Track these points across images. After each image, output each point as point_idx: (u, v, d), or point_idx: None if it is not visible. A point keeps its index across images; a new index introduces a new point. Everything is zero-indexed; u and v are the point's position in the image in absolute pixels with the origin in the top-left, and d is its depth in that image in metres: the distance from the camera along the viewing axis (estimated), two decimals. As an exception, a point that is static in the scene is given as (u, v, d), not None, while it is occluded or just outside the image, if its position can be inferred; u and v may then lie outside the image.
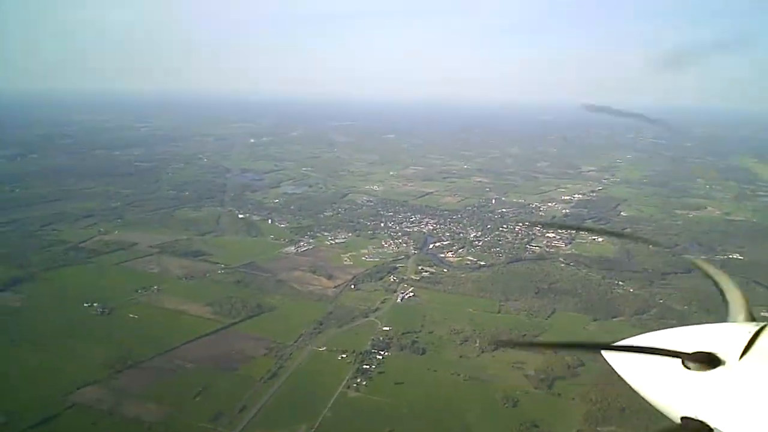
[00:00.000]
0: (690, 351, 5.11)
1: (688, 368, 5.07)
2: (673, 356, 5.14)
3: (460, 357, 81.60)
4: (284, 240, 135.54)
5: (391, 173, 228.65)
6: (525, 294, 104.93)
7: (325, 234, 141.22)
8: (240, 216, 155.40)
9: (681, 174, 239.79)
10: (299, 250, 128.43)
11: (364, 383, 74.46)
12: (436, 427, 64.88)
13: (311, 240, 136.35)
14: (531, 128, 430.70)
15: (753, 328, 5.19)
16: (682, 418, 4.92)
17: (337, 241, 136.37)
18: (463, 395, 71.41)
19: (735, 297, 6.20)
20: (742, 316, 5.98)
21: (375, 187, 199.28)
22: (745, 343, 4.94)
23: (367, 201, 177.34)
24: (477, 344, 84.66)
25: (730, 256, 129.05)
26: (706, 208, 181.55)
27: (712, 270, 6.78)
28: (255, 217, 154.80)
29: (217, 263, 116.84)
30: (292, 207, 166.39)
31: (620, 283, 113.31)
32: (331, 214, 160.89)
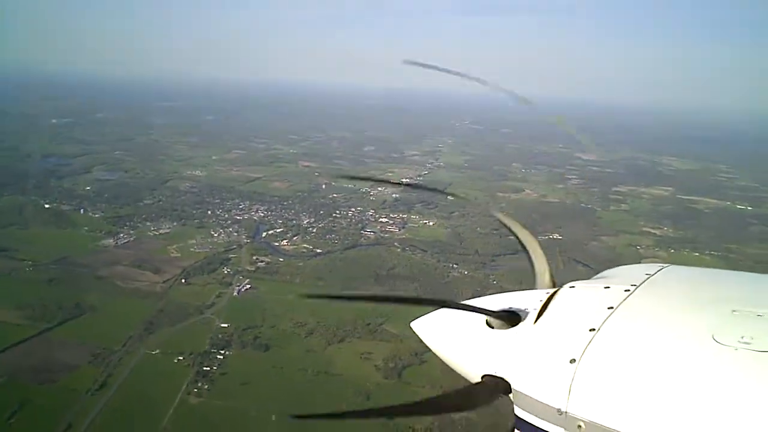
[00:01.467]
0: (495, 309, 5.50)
1: (491, 327, 5.44)
2: (479, 312, 5.48)
3: (307, 351, 79.44)
4: (101, 232, 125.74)
5: (213, 157, 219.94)
6: (365, 281, 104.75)
7: (148, 224, 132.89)
8: (46, 206, 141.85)
9: (499, 159, 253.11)
10: (119, 243, 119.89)
11: (206, 387, 69.98)
12: (288, 429, 62.23)
13: (132, 231, 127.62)
14: (356, 112, 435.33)
15: (550, 291, 5.59)
16: (483, 376, 5.16)
17: (161, 231, 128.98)
18: (313, 392, 69.31)
19: (540, 263, 6.35)
20: (546, 280, 6.19)
21: (198, 173, 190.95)
22: (541, 305, 5.36)
23: (191, 187, 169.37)
24: (323, 337, 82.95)
25: (551, 237, 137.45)
26: (524, 191, 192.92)
27: (518, 228, 6.68)
28: (65, 207, 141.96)
29: (24, 260, 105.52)
30: (106, 195, 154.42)
31: (455, 266, 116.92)
32: (152, 202, 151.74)
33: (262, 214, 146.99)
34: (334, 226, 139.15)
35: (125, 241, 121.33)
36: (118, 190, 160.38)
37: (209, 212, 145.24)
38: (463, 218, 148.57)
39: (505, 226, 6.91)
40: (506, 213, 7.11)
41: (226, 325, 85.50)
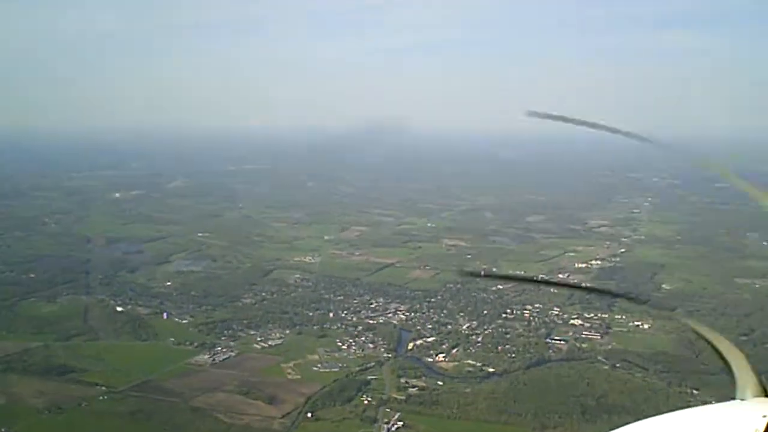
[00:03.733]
0: None
1: None
2: None
3: None
4: (192, 344, 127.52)
5: (326, 237, 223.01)
6: (567, 416, 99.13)
7: (251, 333, 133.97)
8: (118, 308, 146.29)
9: (722, 225, 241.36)
10: (217, 360, 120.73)
11: None
12: None
13: (232, 343, 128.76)
14: (496, 168, 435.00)
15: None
16: None
17: (270, 342, 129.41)
18: None
19: (742, 367, 6.72)
20: (751, 390, 6.59)
21: (308, 259, 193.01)
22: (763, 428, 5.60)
23: (302, 280, 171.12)
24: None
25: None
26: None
27: (713, 336, 7.33)
28: (142, 310, 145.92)
29: (96, 384, 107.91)
30: (193, 293, 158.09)
31: (694, 391, 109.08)
32: (253, 301, 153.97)
33: (403, 316, 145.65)
34: (506, 333, 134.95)
35: (225, 357, 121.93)
36: (208, 285, 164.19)
37: (331, 314, 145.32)
38: (695, 315, 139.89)
39: (701, 336, 7.66)
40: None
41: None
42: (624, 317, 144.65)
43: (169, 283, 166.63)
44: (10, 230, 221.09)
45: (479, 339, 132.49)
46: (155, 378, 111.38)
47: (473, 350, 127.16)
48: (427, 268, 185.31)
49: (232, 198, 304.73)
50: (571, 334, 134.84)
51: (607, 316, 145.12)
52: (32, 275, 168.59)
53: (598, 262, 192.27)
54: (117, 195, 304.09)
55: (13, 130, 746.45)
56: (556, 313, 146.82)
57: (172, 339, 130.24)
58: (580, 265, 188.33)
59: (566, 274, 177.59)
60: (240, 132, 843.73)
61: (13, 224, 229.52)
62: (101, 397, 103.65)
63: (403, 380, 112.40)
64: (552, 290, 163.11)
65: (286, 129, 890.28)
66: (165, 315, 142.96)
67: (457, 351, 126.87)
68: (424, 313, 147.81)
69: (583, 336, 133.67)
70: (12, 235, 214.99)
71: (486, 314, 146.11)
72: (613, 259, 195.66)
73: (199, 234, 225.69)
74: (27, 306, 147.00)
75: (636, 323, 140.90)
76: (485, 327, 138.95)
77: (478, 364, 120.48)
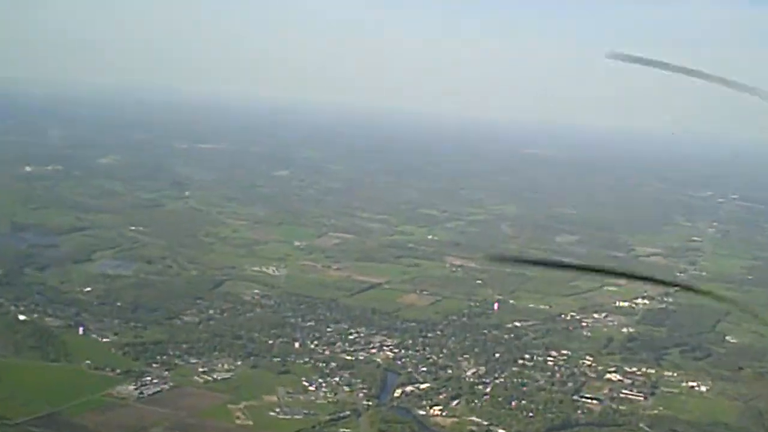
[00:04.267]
0: None
1: None
2: None
3: None
4: (114, 370, 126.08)
5: (296, 244, 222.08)
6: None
7: (192, 361, 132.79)
8: (20, 317, 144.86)
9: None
10: (146, 393, 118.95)
11: None
12: None
13: (166, 372, 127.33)
14: (523, 168, 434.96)
15: None
16: None
17: (216, 376, 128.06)
18: None
19: None
20: None
21: (272, 270, 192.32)
22: None
23: (263, 297, 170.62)
24: None
25: None
26: None
27: None
28: (51, 321, 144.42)
29: None
30: (119, 303, 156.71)
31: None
32: (197, 320, 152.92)
33: (390, 353, 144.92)
34: (522, 384, 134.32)
35: (156, 390, 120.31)
36: (139, 295, 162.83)
37: (297, 345, 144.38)
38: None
39: None
40: None
41: None
42: (676, 374, 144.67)
43: (88, 289, 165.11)
44: None
45: (488, 390, 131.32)
46: (64, 410, 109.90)
47: (479, 404, 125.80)
48: (425, 293, 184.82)
49: (178, 184, 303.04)
50: (606, 391, 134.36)
51: (654, 371, 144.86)
52: None
53: (646, 301, 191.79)
54: (28, 169, 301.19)
55: None
56: (589, 363, 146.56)
57: (89, 361, 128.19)
58: (621, 304, 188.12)
59: (603, 315, 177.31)
60: (213, 101, 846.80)
61: None
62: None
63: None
64: (587, 328, 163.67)
65: (269, 99, 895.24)
66: (81, 329, 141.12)
67: (459, 404, 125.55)
68: (417, 351, 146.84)
69: (622, 395, 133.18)
70: None
71: (498, 358, 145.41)
72: (665, 299, 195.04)
73: (132, 228, 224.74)
74: None
75: (691, 384, 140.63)
76: (496, 375, 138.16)
77: (485, 423, 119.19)
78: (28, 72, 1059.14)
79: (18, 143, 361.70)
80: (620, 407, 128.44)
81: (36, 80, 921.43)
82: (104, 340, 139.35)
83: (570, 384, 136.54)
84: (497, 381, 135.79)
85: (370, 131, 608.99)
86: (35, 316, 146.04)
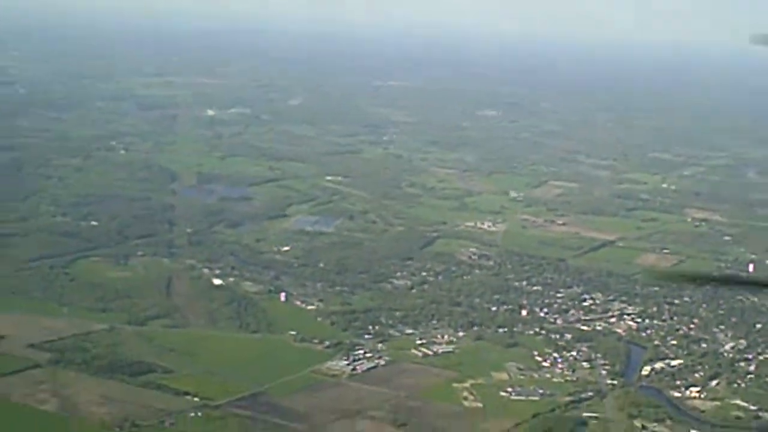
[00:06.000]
0: None
1: None
2: None
3: None
4: (322, 342, 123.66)
5: (512, 195, 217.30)
6: None
7: (408, 332, 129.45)
8: (215, 281, 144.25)
9: None
10: (359, 369, 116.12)
11: None
12: None
13: (380, 345, 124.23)
14: (751, 100, 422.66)
15: None
16: None
17: (436, 349, 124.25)
18: None
19: None
20: None
21: (487, 225, 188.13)
22: None
23: (480, 257, 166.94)
24: None
25: None
26: None
27: None
28: (248, 286, 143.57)
29: (186, 393, 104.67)
30: (322, 265, 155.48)
31: None
32: (409, 284, 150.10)
33: (632, 323, 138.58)
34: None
35: (370, 365, 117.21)
36: (343, 255, 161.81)
37: (524, 313, 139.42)
38: None
39: None
40: None
41: None
42: None
43: (287, 248, 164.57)
44: (63, 156, 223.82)
45: (751, 368, 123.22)
46: (269, 390, 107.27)
47: (743, 385, 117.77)
48: (666, 252, 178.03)
49: (374, 127, 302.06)
50: None
51: None
52: (94, 223, 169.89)
53: None
54: (210, 113, 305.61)
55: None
56: None
57: (293, 332, 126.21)
58: None
59: None
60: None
61: (67, 148, 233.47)
62: (192, 414, 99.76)
63: (638, 423, 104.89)
64: None
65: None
66: (283, 296, 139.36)
67: (719, 384, 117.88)
68: (664, 320, 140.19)
69: None
70: (65, 163, 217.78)
71: (760, 330, 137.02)
72: None
73: (329, 178, 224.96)
74: (87, 267, 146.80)
75: None
76: (760, 350, 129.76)
77: (752, 408, 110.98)
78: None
79: (199, 84, 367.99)
80: None
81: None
82: (309, 307, 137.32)
83: None
84: (762, 357, 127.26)
85: (585, 66, 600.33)
86: (231, 280, 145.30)
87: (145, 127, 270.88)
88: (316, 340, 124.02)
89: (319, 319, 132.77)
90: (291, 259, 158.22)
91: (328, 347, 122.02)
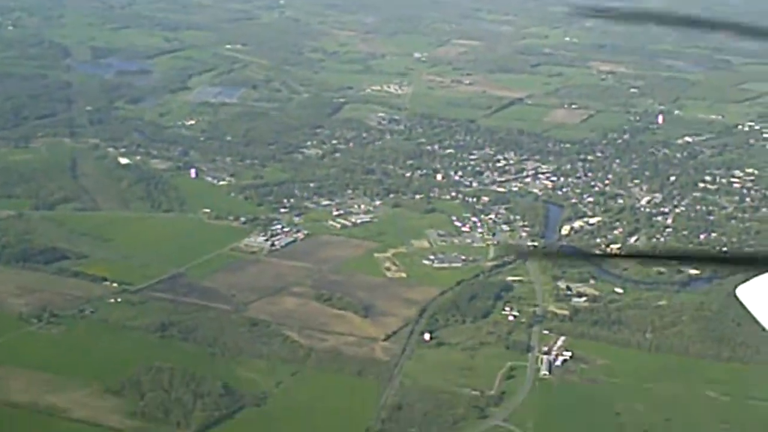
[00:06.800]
0: None
1: None
2: None
3: None
4: (237, 218, 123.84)
5: (417, 56, 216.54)
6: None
7: (324, 203, 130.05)
8: (122, 160, 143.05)
9: None
10: (278, 244, 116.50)
11: None
12: None
13: (297, 218, 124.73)
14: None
15: None
16: None
17: (354, 219, 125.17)
18: None
19: None
20: None
21: (394, 88, 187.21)
22: None
23: (390, 121, 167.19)
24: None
25: None
26: None
27: None
28: (157, 163, 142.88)
29: (103, 279, 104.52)
30: (229, 137, 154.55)
31: None
32: (320, 153, 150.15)
33: (547, 182, 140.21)
34: (708, 212, 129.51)
35: (289, 240, 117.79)
36: (250, 126, 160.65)
37: (440, 177, 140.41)
38: None
39: None
40: None
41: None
42: None
43: (192, 122, 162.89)
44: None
45: (669, 222, 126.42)
46: (188, 271, 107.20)
47: (662, 239, 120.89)
48: (574, 107, 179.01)
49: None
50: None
51: None
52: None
53: None
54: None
55: None
56: None
57: (207, 210, 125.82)
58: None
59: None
60: None
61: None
62: (112, 300, 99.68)
63: (562, 285, 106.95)
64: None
65: None
66: (193, 172, 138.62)
67: (638, 240, 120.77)
68: (579, 178, 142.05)
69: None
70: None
71: (674, 182, 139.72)
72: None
73: (228, 46, 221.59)
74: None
75: None
76: (675, 202, 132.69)
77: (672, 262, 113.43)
78: None
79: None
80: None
81: None
82: (221, 183, 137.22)
83: (764, 209, 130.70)
84: (678, 210, 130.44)
85: None
86: (138, 158, 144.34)
87: (31, 1, 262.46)
88: (231, 217, 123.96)
89: (232, 194, 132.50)
90: (197, 133, 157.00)
91: (244, 223, 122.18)
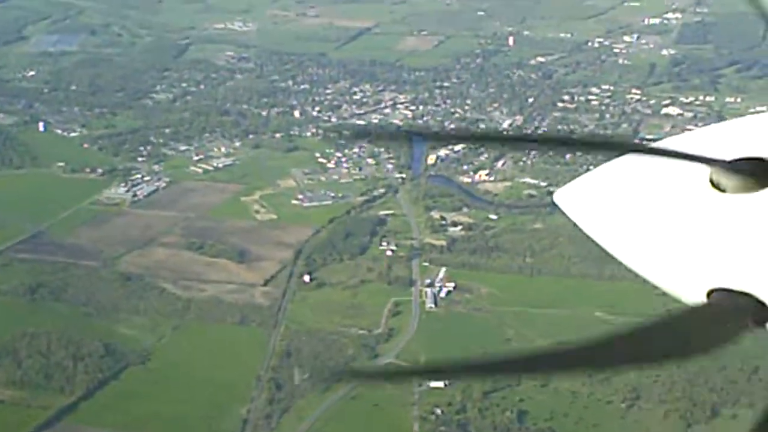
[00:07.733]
0: (727, 158, 5.34)
1: (722, 189, 5.28)
2: (695, 161, 5.37)
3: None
4: (94, 170, 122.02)
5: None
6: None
7: (182, 148, 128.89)
8: None
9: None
10: (140, 194, 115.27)
11: None
12: None
13: (156, 166, 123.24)
14: None
15: None
16: (712, 291, 5.07)
17: (215, 163, 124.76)
18: None
19: None
20: None
21: (237, 26, 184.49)
22: None
23: (239, 60, 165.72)
24: None
25: None
26: None
27: None
28: (2, 119, 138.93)
29: None
30: (74, 87, 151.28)
31: None
32: (171, 97, 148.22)
33: (406, 112, 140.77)
34: (571, 131, 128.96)
35: (151, 189, 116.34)
36: (94, 74, 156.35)
37: (297, 113, 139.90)
38: None
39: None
40: None
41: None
42: (739, 99, 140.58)
43: (32, 73, 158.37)
44: None
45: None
46: (50, 229, 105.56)
47: (529, 162, 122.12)
48: (424, 34, 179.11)
49: None
50: (668, 129, 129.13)
51: (713, 99, 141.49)
52: None
53: (678, 15, 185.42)
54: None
55: None
56: (637, 96, 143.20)
57: (62, 164, 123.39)
58: (651, 21, 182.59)
59: (635, 37, 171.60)
60: None
61: None
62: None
63: (436, 215, 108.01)
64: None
65: None
66: (41, 125, 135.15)
67: (505, 164, 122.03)
68: (438, 105, 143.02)
69: (689, 131, 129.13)
70: None
71: (533, 103, 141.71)
72: (698, 11, 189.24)
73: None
74: None
75: (759, 108, 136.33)
76: (537, 123, 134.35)
77: (543, 184, 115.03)
78: None
79: None
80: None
81: None
82: (71, 135, 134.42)
83: (625, 125, 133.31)
84: (541, 131, 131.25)
85: None
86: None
87: None
88: (87, 170, 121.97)
89: (85, 146, 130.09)
90: (40, 85, 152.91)
91: (102, 175, 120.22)
